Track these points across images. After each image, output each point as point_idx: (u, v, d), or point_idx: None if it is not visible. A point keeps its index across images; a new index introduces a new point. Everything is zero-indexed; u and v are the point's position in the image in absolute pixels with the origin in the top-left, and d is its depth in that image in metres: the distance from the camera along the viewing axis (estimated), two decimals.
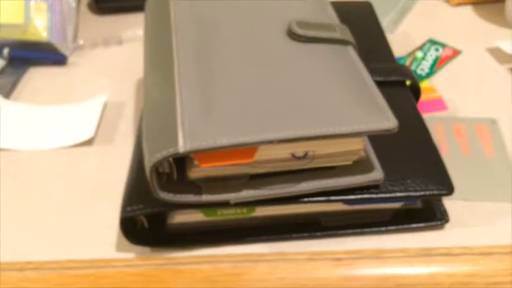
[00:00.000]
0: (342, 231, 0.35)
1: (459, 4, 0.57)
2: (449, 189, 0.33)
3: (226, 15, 0.38)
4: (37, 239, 0.37)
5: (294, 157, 0.31)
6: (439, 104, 0.45)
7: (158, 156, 0.29)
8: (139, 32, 0.57)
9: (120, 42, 0.56)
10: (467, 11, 0.57)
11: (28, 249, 0.36)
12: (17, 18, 0.52)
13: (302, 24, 0.36)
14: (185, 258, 0.34)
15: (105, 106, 0.47)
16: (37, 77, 0.52)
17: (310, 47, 0.35)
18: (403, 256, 0.34)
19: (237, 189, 0.31)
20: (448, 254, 0.34)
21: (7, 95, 0.50)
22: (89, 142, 0.44)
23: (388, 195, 0.33)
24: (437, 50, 0.51)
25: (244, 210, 0.34)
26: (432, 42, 0.52)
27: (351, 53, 0.36)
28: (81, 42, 0.56)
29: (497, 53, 0.50)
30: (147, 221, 0.35)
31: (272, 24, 0.37)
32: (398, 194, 0.33)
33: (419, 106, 0.41)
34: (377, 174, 0.32)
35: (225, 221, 0.35)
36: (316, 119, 0.30)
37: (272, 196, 0.32)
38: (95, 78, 0.52)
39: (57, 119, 0.47)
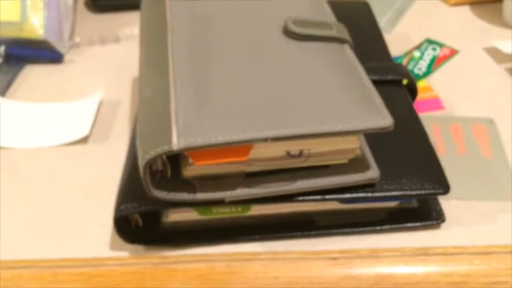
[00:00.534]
0: (337, 231, 0.35)
1: (456, 4, 0.57)
2: (445, 189, 0.33)
3: (222, 13, 0.38)
4: (31, 237, 0.36)
5: (289, 155, 0.31)
6: (436, 104, 0.45)
7: (152, 153, 0.29)
8: (136, 30, 0.56)
9: (117, 40, 0.56)
10: (465, 10, 0.57)
11: (22, 248, 0.36)
12: (14, 16, 0.52)
13: (298, 22, 0.36)
14: (179, 257, 0.34)
15: (100, 104, 0.47)
16: (33, 74, 0.52)
17: (306, 45, 0.35)
18: (399, 255, 0.34)
19: (232, 187, 0.31)
20: (444, 253, 0.34)
21: (3, 92, 0.49)
22: (83, 140, 0.44)
23: (383, 194, 0.33)
24: (434, 49, 0.51)
25: (239, 208, 0.34)
26: (429, 41, 0.52)
27: (347, 51, 0.36)
28: (77, 40, 0.56)
29: (494, 53, 0.50)
30: (141, 219, 0.34)
31: (268, 22, 0.37)
32: (394, 193, 0.33)
33: (416, 105, 0.41)
34: (373, 173, 0.32)
35: (219, 220, 0.34)
36: (311, 117, 0.30)
37: (267, 194, 0.32)
38: (90, 76, 0.51)
39: (53, 116, 0.46)
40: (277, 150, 0.31)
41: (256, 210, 0.34)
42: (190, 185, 0.31)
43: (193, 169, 0.31)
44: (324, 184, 0.32)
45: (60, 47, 0.53)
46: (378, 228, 0.35)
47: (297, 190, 0.32)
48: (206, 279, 0.33)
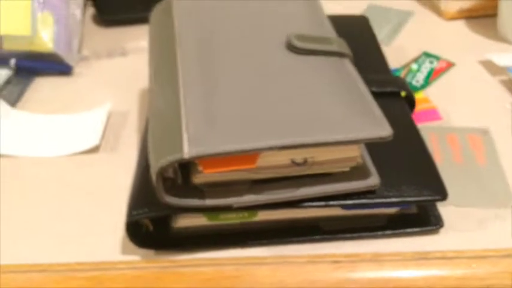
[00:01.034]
0: (340, 235, 0.36)
1: (452, 18, 0.59)
2: (443, 195, 0.35)
3: (227, 27, 0.40)
4: (43, 242, 0.38)
5: (294, 163, 0.33)
6: (433, 114, 0.47)
7: (164, 161, 0.30)
8: (143, 43, 0.58)
9: (123, 53, 0.58)
10: (461, 25, 0.59)
11: (34, 252, 0.37)
12: (24, 30, 0.54)
13: (301, 37, 0.38)
14: (188, 261, 0.36)
15: (109, 115, 0.49)
16: (43, 86, 0.54)
17: (309, 59, 0.37)
18: (399, 259, 0.35)
19: (239, 194, 0.33)
20: (443, 257, 0.35)
21: (13, 104, 0.51)
22: (94, 150, 0.45)
23: (384, 200, 0.34)
24: (431, 62, 0.53)
25: (246, 214, 0.35)
26: (427, 54, 0.54)
27: (348, 65, 0.37)
28: (86, 53, 0.57)
29: (489, 66, 0.52)
30: (152, 224, 0.36)
31: (272, 37, 0.39)
32: (394, 200, 0.34)
33: (414, 116, 0.42)
34: (373, 180, 0.34)
35: (227, 225, 0.36)
36: (315, 127, 0.31)
37: (273, 201, 0.33)
38: (99, 88, 0.53)
39: (63, 127, 0.48)
40: (283, 158, 0.32)
41: (263, 215, 0.35)
42: (199, 191, 0.33)
43: (202, 176, 0.32)
44: (327, 191, 0.33)
45: (69, 60, 0.55)
46: (380, 233, 0.36)
47: (302, 196, 0.33)
48: (215, 282, 0.34)
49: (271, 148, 0.30)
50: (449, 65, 0.53)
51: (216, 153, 0.30)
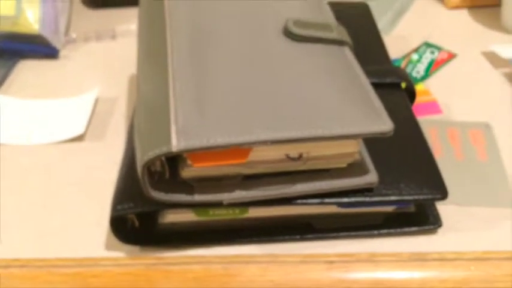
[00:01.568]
0: (334, 234, 0.35)
1: (455, 7, 0.57)
2: (443, 194, 0.33)
3: (222, 12, 0.38)
4: (24, 235, 0.36)
5: (289, 158, 0.31)
6: (433, 107, 0.45)
7: (151, 154, 0.28)
8: (133, 26, 0.56)
9: (113, 36, 0.55)
10: (463, 14, 0.57)
11: (15, 246, 0.35)
12: (8, 10, 0.51)
13: (299, 23, 0.36)
14: (175, 258, 0.34)
15: (96, 101, 0.47)
16: (27, 70, 0.51)
17: (307, 47, 0.35)
18: (396, 260, 0.34)
19: (230, 189, 0.31)
20: (441, 258, 0.34)
21: None
22: (79, 138, 0.43)
23: (382, 198, 0.33)
24: (432, 52, 0.51)
25: (237, 211, 0.33)
26: (428, 45, 0.52)
27: (348, 53, 0.35)
28: (73, 35, 0.55)
29: (492, 57, 0.50)
30: (138, 219, 0.34)
31: (269, 22, 0.37)
32: (392, 198, 0.33)
33: (414, 109, 0.41)
34: (371, 177, 0.32)
35: (216, 222, 0.34)
36: (311, 120, 0.30)
37: (266, 197, 0.31)
38: (86, 73, 0.51)
39: (48, 113, 0.46)
40: (277, 153, 0.31)
41: (254, 212, 0.34)
42: (188, 186, 0.31)
43: (191, 171, 0.30)
44: (322, 188, 0.32)
45: (55, 42, 0.53)
46: (375, 232, 0.35)
47: (296, 193, 0.32)
48: (202, 281, 0.33)
49: (264, 142, 0.29)
50: (451, 56, 0.51)
51: (206, 147, 0.28)
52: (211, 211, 0.33)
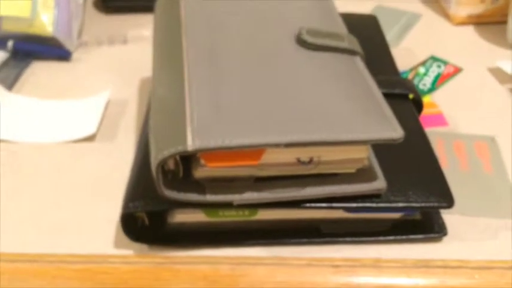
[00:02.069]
0: (341, 239, 0.35)
1: (461, 23, 0.58)
2: (449, 202, 0.34)
3: (237, 18, 0.38)
4: (34, 231, 0.36)
5: (300, 162, 0.32)
6: (440, 120, 0.46)
7: (166, 153, 0.29)
8: (145, 32, 0.57)
9: (125, 41, 0.56)
10: (469, 30, 0.58)
11: (25, 241, 0.36)
12: (24, 12, 0.52)
13: (312, 32, 0.37)
14: (183, 257, 0.34)
15: (107, 103, 0.47)
16: (40, 71, 0.52)
17: (319, 55, 0.36)
18: (401, 266, 0.34)
19: (241, 190, 0.31)
20: (445, 266, 0.34)
21: (9, 87, 0.49)
22: (90, 138, 0.44)
23: (389, 205, 0.33)
24: (439, 66, 0.52)
25: (246, 212, 0.34)
26: (434, 59, 0.53)
27: (359, 63, 0.36)
28: (86, 39, 0.56)
29: (497, 73, 0.51)
30: (148, 218, 0.35)
31: (282, 29, 0.37)
32: (400, 204, 0.33)
33: (421, 120, 0.41)
34: (380, 184, 0.33)
35: (225, 223, 0.35)
36: (323, 125, 0.30)
37: (275, 199, 0.32)
38: (98, 75, 0.52)
39: (60, 113, 0.46)
40: (289, 156, 0.31)
41: (263, 215, 0.34)
42: (200, 186, 0.32)
43: (204, 171, 0.31)
44: (331, 192, 0.32)
45: (68, 45, 0.54)
46: (381, 238, 0.35)
47: (305, 197, 0.32)
48: (210, 281, 0.33)
49: (277, 144, 0.29)
50: (457, 70, 0.52)
51: (221, 147, 0.29)
52: (221, 212, 0.34)
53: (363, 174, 0.33)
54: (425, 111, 0.45)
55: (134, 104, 0.48)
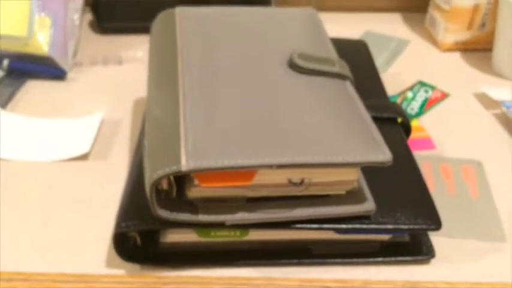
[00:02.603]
0: (331, 260, 0.36)
1: (448, 50, 0.60)
2: (437, 225, 0.34)
3: (231, 40, 0.40)
4: (26, 249, 0.36)
5: (291, 183, 0.32)
6: (427, 143, 0.47)
7: (160, 173, 0.29)
8: (140, 53, 0.58)
9: (119, 62, 0.57)
10: (456, 56, 0.59)
11: (18, 260, 0.36)
12: (20, 31, 0.53)
13: (304, 56, 0.38)
14: (175, 278, 0.35)
15: (101, 123, 0.48)
16: (35, 89, 0.53)
17: (310, 79, 0.37)
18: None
19: (233, 211, 0.32)
20: None
21: (3, 105, 0.50)
22: (83, 157, 0.44)
23: (378, 226, 0.34)
24: (426, 91, 0.53)
25: (238, 232, 0.34)
26: (422, 84, 0.55)
27: (349, 87, 0.37)
28: (81, 59, 0.57)
29: (483, 99, 0.52)
30: (140, 238, 0.35)
31: (275, 53, 0.39)
32: (389, 226, 0.34)
33: (409, 144, 0.42)
34: (369, 205, 0.33)
35: (217, 243, 0.35)
36: (314, 148, 0.31)
37: (267, 220, 0.32)
38: (92, 95, 0.52)
39: (54, 132, 0.47)
40: (280, 177, 0.32)
41: (254, 235, 0.35)
42: (193, 206, 0.32)
43: (197, 191, 0.31)
44: (322, 213, 0.33)
45: (63, 65, 0.54)
46: (371, 260, 0.36)
47: (296, 217, 0.33)
48: None
49: (269, 166, 0.30)
50: (444, 95, 0.53)
51: (214, 168, 0.29)
52: (212, 232, 0.34)
53: (353, 196, 0.34)
54: (413, 135, 0.46)
55: (128, 124, 0.48)
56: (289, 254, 0.36)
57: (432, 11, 0.61)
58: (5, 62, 0.53)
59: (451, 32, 0.59)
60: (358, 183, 0.34)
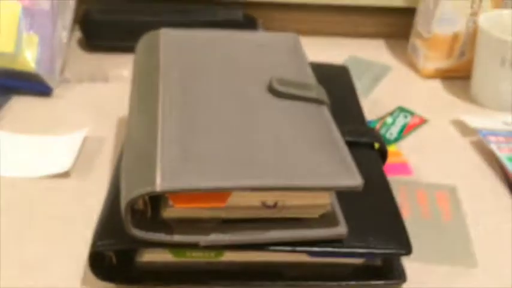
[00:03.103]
0: (304, 283, 0.36)
1: (429, 77, 0.62)
2: (407, 250, 0.35)
3: (212, 65, 0.41)
4: (4, 265, 0.37)
5: (265, 206, 0.33)
6: (404, 168, 0.48)
7: (135, 193, 0.30)
8: (125, 72, 0.59)
9: (106, 79, 0.58)
10: (436, 84, 0.61)
11: None
12: (8, 47, 0.53)
13: (282, 81, 0.39)
14: None
15: (85, 140, 0.48)
16: (20, 106, 0.53)
17: (288, 103, 0.38)
18: None
19: (208, 232, 0.33)
20: None
21: None
22: (65, 174, 0.45)
23: (350, 250, 0.35)
24: (405, 117, 0.55)
25: (212, 253, 0.35)
26: (401, 109, 0.56)
27: (325, 112, 0.38)
28: (68, 76, 0.57)
29: (460, 126, 0.54)
30: (116, 257, 0.35)
31: (254, 78, 0.40)
32: (360, 250, 0.35)
33: (386, 169, 0.43)
34: (341, 229, 0.34)
35: (192, 263, 0.35)
36: (287, 171, 0.32)
37: (241, 242, 0.33)
38: (77, 112, 0.53)
39: (36, 149, 0.47)
40: (254, 199, 0.33)
41: (229, 256, 0.35)
42: (167, 226, 0.33)
43: (172, 211, 0.32)
44: (295, 236, 0.34)
45: (50, 81, 0.55)
46: (343, 283, 0.36)
47: (269, 240, 0.33)
48: None
49: (243, 188, 0.31)
50: (423, 121, 0.54)
51: (188, 189, 0.30)
52: (188, 252, 0.35)
53: (326, 219, 0.34)
54: (391, 159, 0.47)
55: (111, 141, 0.49)
56: (263, 276, 0.36)
57: (414, 39, 0.63)
58: None
59: (431, 60, 0.60)
60: (331, 207, 0.35)
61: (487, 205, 0.44)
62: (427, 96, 0.59)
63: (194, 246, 0.33)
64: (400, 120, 0.54)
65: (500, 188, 0.46)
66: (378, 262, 0.37)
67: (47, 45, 0.55)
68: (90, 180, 0.44)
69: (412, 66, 0.63)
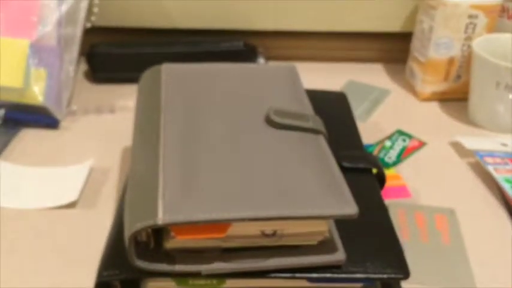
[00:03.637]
0: None
1: (426, 100, 0.63)
2: (405, 274, 0.36)
3: (212, 99, 0.42)
4: None
5: (264, 234, 0.34)
6: (403, 191, 0.49)
7: (138, 226, 0.31)
8: (131, 103, 0.60)
9: (112, 111, 0.60)
10: (434, 106, 0.62)
11: None
12: (16, 82, 0.55)
13: (279, 112, 0.40)
14: None
15: (90, 171, 0.50)
16: (28, 138, 0.55)
17: (285, 134, 0.39)
18: None
19: (209, 261, 0.34)
20: None
21: None
22: (72, 205, 0.46)
23: (348, 275, 0.35)
24: (404, 140, 0.56)
25: (215, 281, 0.36)
26: (400, 132, 0.57)
27: (321, 142, 0.39)
28: (74, 108, 0.59)
29: (458, 148, 0.55)
30: (121, 286, 0.36)
31: (253, 110, 0.41)
32: (358, 275, 0.35)
33: (385, 192, 0.44)
34: (339, 255, 0.35)
35: None
36: (285, 202, 0.33)
37: (242, 270, 0.34)
38: (83, 143, 0.54)
39: (43, 180, 0.49)
40: (253, 229, 0.34)
41: (231, 284, 0.36)
42: (170, 256, 0.34)
43: (174, 242, 0.33)
44: (294, 263, 0.35)
45: (57, 114, 0.57)
46: None
47: (269, 267, 0.34)
48: None
49: (241, 219, 0.32)
50: (421, 144, 0.56)
51: (189, 221, 0.31)
52: (190, 281, 0.36)
53: (324, 246, 0.35)
54: (390, 183, 0.48)
55: (116, 172, 0.50)
56: None
57: (411, 63, 0.65)
58: (1, 112, 0.55)
59: (429, 83, 0.62)
60: (330, 233, 0.36)
61: (486, 227, 0.45)
62: (425, 118, 0.60)
63: (197, 275, 0.34)
64: (399, 144, 0.55)
65: (499, 210, 0.47)
66: (378, 286, 0.38)
67: (54, 79, 0.57)
68: (97, 211, 0.46)
69: (410, 89, 0.65)
